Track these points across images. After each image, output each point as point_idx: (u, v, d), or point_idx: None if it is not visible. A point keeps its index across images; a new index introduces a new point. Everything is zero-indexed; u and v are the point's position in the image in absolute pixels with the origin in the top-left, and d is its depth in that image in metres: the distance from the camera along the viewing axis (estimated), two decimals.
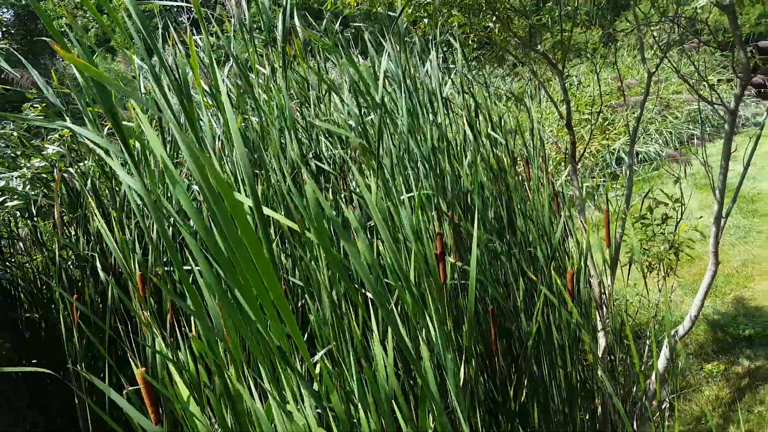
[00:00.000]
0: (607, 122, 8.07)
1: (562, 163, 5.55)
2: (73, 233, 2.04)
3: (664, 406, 2.84)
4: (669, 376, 3.24)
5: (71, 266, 2.03)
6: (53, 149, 2.08)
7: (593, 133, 7.55)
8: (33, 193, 1.99)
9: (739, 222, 5.38)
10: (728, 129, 2.13)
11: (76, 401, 1.70)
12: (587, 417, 2.25)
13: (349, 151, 2.30)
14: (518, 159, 2.25)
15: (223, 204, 0.72)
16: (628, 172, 2.52)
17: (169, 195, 1.81)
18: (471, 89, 2.48)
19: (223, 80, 2.12)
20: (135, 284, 1.41)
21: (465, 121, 2.13)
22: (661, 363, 2.40)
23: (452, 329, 1.77)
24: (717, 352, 3.49)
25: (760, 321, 3.65)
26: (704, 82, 2.10)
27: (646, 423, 2.58)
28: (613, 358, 2.38)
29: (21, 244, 2.29)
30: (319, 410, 1.01)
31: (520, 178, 2.14)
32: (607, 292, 2.33)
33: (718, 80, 10.09)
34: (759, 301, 3.94)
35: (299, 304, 1.84)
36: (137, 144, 1.77)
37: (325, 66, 2.71)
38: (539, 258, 1.90)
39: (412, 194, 1.55)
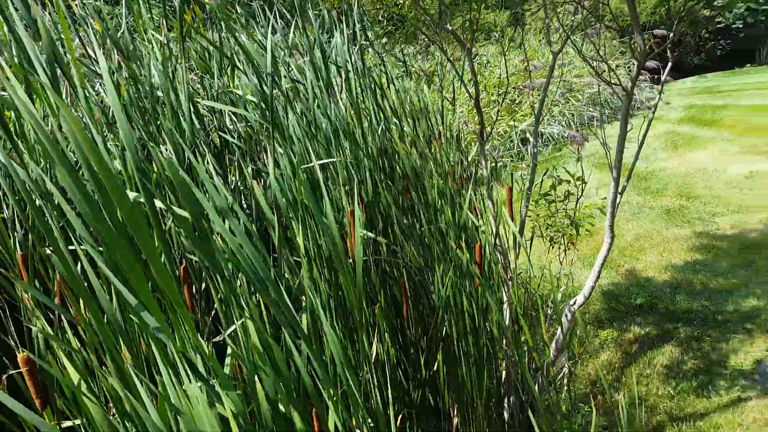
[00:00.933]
0: (514, 103, 8.39)
1: (472, 144, 5.72)
2: None
3: (563, 372, 3.04)
4: (566, 344, 3.46)
5: None
6: None
7: (500, 114, 7.83)
8: None
9: (633, 199, 5.81)
10: (624, 110, 2.28)
11: None
12: (494, 383, 2.36)
13: (254, 126, 2.24)
14: (430, 137, 2.29)
15: (103, 182, 0.68)
16: (532, 152, 2.63)
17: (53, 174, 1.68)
18: (383, 65, 2.49)
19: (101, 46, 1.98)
20: (16, 265, 1.31)
21: (374, 96, 2.14)
22: (564, 329, 2.56)
23: (365, 305, 1.79)
24: (611, 320, 3.77)
25: (650, 290, 3.98)
26: (604, 64, 2.23)
27: (547, 387, 2.75)
28: (517, 328, 2.50)
29: None
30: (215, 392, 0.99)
31: (433, 155, 2.18)
32: (511, 266, 2.44)
33: (616, 65, 10.76)
34: (649, 272, 4.29)
35: (202, 286, 1.79)
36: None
37: (231, 37, 2.60)
38: (450, 234, 1.96)
39: (323, 161, 1.54)
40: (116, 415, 1.08)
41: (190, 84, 1.84)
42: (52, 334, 1.07)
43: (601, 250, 2.35)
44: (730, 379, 3.02)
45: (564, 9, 2.72)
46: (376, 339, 1.67)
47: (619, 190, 2.33)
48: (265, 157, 2.01)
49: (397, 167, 2.14)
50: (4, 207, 1.68)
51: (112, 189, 0.66)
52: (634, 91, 2.25)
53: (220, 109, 2.27)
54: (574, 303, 2.40)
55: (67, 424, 1.03)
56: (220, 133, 2.00)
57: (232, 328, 1.19)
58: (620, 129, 2.32)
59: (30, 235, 1.40)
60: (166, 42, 2.00)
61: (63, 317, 1.16)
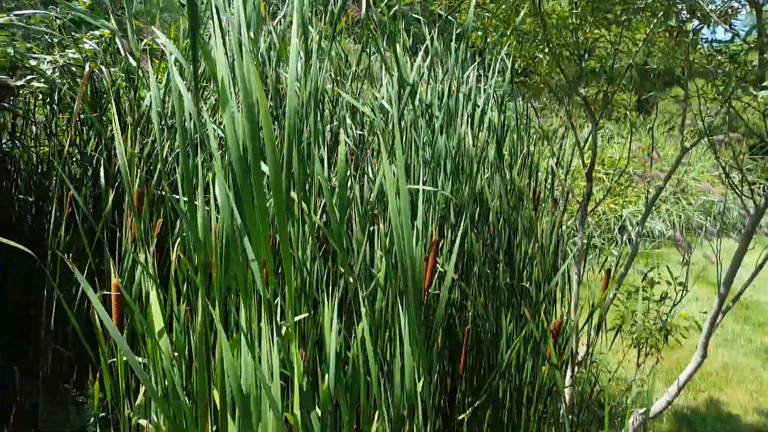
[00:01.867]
0: (622, 187, 8.13)
1: (569, 215, 5.59)
2: (86, 133, 2.05)
3: None
4: None
5: (75, 164, 2.04)
6: (90, 45, 2.09)
7: (607, 194, 7.60)
8: (59, 81, 2.00)
9: (729, 325, 5.40)
10: (750, 225, 2.16)
11: (45, 293, 1.71)
12: None
13: (369, 135, 2.32)
14: (537, 193, 2.27)
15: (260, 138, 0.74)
16: (636, 240, 2.54)
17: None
18: (506, 109, 2.50)
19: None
20: (131, 197, 1.43)
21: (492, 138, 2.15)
22: None
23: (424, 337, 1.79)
24: None
25: (728, 428, 3.67)
26: (737, 173, 2.13)
27: None
28: (573, 419, 2.39)
29: (34, 128, 2.29)
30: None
31: (531, 212, 2.16)
32: (585, 351, 2.34)
33: (742, 179, 10.13)
34: (733, 409, 3.96)
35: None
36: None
37: (369, 51, 2.73)
38: (532, 295, 1.92)
39: (430, 188, 1.57)
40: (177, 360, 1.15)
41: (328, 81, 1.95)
42: (147, 265, 1.15)
43: (688, 366, 2.21)
44: None
45: (706, 107, 2.63)
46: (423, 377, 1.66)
47: (723, 309, 2.19)
48: (374, 164, 2.07)
49: (491, 216, 2.13)
50: (138, 144, 1.84)
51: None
52: (765, 210, 2.13)
53: (342, 115, 2.38)
54: (645, 412, 2.26)
55: (138, 358, 1.11)
56: (340, 131, 2.08)
57: (302, 316, 1.23)
58: (741, 243, 2.19)
59: (153, 178, 1.53)
60: (317, 39, 2.13)
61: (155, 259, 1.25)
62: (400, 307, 1.41)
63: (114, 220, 1.87)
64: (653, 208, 8.17)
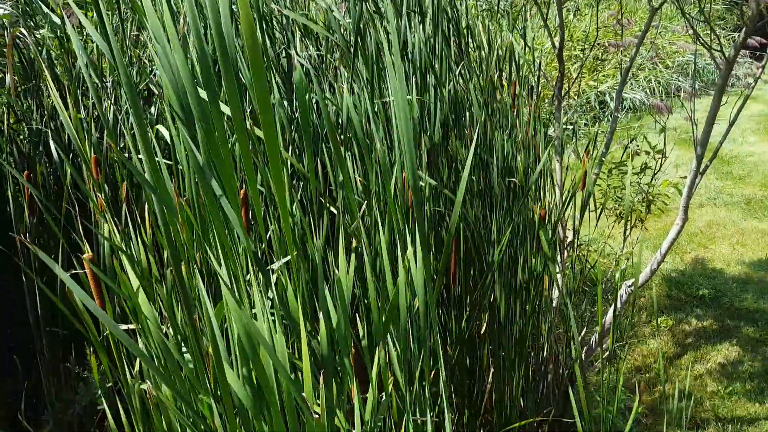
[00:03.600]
0: (597, 61, 8.00)
1: (546, 100, 5.54)
2: (26, 106, 1.95)
3: (606, 355, 3.01)
4: (616, 327, 3.41)
5: (23, 141, 1.95)
6: (5, 9, 1.95)
7: (582, 71, 7.49)
8: None
9: (711, 183, 5.53)
10: (721, 81, 2.14)
11: (24, 280, 1.69)
12: (535, 354, 2.37)
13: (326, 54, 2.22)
14: (513, 84, 2.22)
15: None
16: (613, 115, 2.53)
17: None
18: None
19: None
20: (89, 166, 1.38)
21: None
22: (611, 311, 2.52)
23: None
24: (668, 308, 3.68)
25: (716, 283, 3.84)
26: (706, 29, 2.08)
27: (590, 367, 2.75)
28: (566, 302, 2.48)
29: None
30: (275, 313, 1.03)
31: (505, 104, 2.12)
32: (572, 237, 2.39)
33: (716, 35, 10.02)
34: (718, 263, 4.13)
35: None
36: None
37: None
38: (517, 190, 1.93)
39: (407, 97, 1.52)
40: (169, 326, 1.15)
41: None
42: (117, 238, 1.13)
43: (670, 231, 2.27)
44: None
45: None
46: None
47: (701, 170, 2.22)
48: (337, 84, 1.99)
49: (467, 117, 2.10)
50: (82, 107, 1.76)
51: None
52: (735, 59, 2.11)
53: (291, 35, 2.26)
54: (633, 284, 2.35)
55: (123, 327, 1.10)
56: (294, 54, 1.99)
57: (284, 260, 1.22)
58: (713, 101, 2.19)
59: (104, 140, 1.47)
60: None
61: (129, 223, 1.23)
62: (384, 225, 1.40)
63: (78, 194, 1.83)
64: (632, 77, 8.10)
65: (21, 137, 1.94)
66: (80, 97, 1.84)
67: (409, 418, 1.30)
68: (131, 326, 1.17)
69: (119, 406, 1.34)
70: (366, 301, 1.57)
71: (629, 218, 2.57)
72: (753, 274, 3.94)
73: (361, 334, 1.34)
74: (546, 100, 5.12)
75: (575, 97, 7.21)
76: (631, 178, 2.56)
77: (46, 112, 1.90)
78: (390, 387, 1.33)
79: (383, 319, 1.14)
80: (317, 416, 0.71)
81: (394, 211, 1.20)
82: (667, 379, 3.06)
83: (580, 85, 7.36)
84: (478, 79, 2.02)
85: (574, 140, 2.73)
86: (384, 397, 1.34)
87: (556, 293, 2.45)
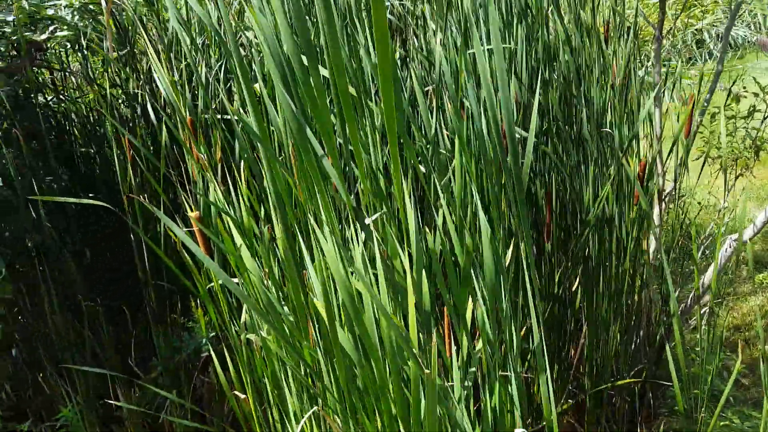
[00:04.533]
0: None
1: (647, 39, 5.17)
2: (122, 72, 2.04)
3: (703, 311, 2.86)
4: (715, 283, 3.23)
5: (122, 104, 2.05)
6: None
7: (680, 11, 6.92)
8: (81, 24, 1.96)
9: None
10: None
11: (132, 237, 1.80)
12: (629, 310, 2.29)
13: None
14: (606, 25, 2.07)
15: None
16: (720, 55, 2.32)
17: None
18: None
19: None
20: (185, 127, 1.42)
21: None
22: (720, 263, 2.38)
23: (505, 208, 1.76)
24: None
25: None
26: None
27: (685, 325, 2.62)
28: (663, 257, 2.36)
29: (73, 78, 2.31)
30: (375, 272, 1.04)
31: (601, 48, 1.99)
32: (672, 187, 2.26)
33: None
34: None
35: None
36: None
37: None
38: (614, 140, 1.82)
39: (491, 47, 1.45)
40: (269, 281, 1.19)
41: None
42: (219, 196, 1.17)
43: None
44: None
45: None
46: (512, 243, 1.66)
47: None
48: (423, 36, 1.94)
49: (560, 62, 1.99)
50: (175, 71, 1.81)
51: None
52: None
53: None
54: (738, 237, 2.19)
55: (234, 280, 1.15)
56: None
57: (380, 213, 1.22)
58: None
59: (199, 102, 1.51)
60: None
61: (228, 182, 1.26)
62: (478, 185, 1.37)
63: (175, 154, 1.90)
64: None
65: (120, 101, 2.03)
66: (173, 60, 1.89)
67: (497, 373, 1.29)
68: (236, 280, 1.22)
69: (225, 353, 1.41)
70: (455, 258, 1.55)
71: (734, 166, 2.38)
72: None
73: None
74: (647, 41, 4.77)
75: (669, 37, 6.69)
76: (737, 122, 2.37)
77: (141, 77, 1.97)
78: (480, 343, 1.32)
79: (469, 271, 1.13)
80: (427, 372, 0.71)
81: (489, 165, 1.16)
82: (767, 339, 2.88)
83: (675, 23, 6.81)
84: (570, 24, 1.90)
85: (672, 83, 2.54)
86: (476, 350, 1.34)
87: (653, 247, 2.34)
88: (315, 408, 0.97)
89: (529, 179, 1.83)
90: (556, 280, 1.94)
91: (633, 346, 2.44)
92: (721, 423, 2.30)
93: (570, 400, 2.22)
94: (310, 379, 1.17)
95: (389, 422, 0.92)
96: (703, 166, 2.12)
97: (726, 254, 2.37)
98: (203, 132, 1.67)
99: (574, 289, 1.98)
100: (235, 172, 1.27)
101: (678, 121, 2.02)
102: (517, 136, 1.60)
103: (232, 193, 1.29)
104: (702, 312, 2.75)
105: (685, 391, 2.07)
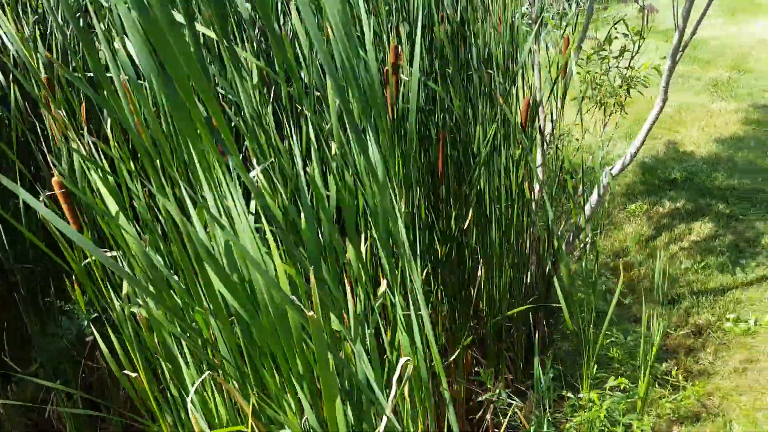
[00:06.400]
0: None
1: None
2: None
3: (587, 242, 3.06)
4: (593, 215, 3.46)
5: None
6: None
7: None
8: None
9: (678, 68, 5.47)
10: None
11: None
12: (520, 247, 2.38)
13: None
14: None
15: None
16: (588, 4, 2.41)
17: None
18: None
19: None
20: (41, 86, 1.25)
21: None
22: (593, 198, 2.53)
23: (398, 154, 1.74)
24: (643, 193, 3.73)
25: (688, 165, 3.88)
26: None
27: (571, 256, 2.79)
28: (547, 192, 2.46)
29: None
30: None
31: None
32: (552, 127, 2.34)
33: None
34: (689, 146, 4.16)
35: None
36: None
37: None
38: (496, 84, 1.84)
39: None
40: (150, 246, 1.08)
41: None
42: (84, 154, 1.03)
43: (651, 113, 2.23)
44: (758, 258, 3.02)
45: None
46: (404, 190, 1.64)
47: (682, 46, 2.15)
48: None
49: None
50: (25, 26, 1.58)
51: None
52: None
53: None
54: (611, 169, 2.33)
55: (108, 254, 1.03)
56: None
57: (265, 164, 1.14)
58: None
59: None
60: None
61: (92, 145, 1.12)
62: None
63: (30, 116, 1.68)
64: None
65: None
66: (20, 13, 1.65)
67: (400, 315, 1.28)
68: (112, 252, 1.09)
69: (109, 333, 1.28)
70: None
71: (608, 105, 2.51)
72: (722, 154, 3.99)
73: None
74: None
75: None
76: (609, 61, 2.48)
77: None
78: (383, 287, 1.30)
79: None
80: (311, 314, 0.66)
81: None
82: (643, 260, 3.14)
83: None
84: None
85: (545, 33, 2.61)
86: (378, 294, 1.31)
87: (537, 186, 2.43)
88: (207, 373, 0.89)
89: (420, 122, 1.81)
90: (452, 222, 1.96)
91: (527, 280, 2.56)
92: (608, 340, 2.48)
93: (472, 336, 2.29)
94: (205, 346, 1.08)
95: (287, 375, 0.87)
96: (581, 103, 2.21)
97: (603, 185, 2.51)
98: (63, 92, 1.48)
99: (466, 227, 2.02)
100: (107, 130, 1.13)
101: (553, 65, 2.08)
102: (404, 77, 1.57)
103: (100, 154, 1.15)
104: (583, 243, 2.93)
105: (575, 315, 2.20)
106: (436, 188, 1.93)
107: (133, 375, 1.30)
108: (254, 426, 1.01)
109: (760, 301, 2.77)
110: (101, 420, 1.94)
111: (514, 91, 1.99)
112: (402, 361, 0.96)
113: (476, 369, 2.38)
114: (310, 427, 0.99)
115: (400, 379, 1.00)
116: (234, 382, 0.94)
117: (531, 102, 1.76)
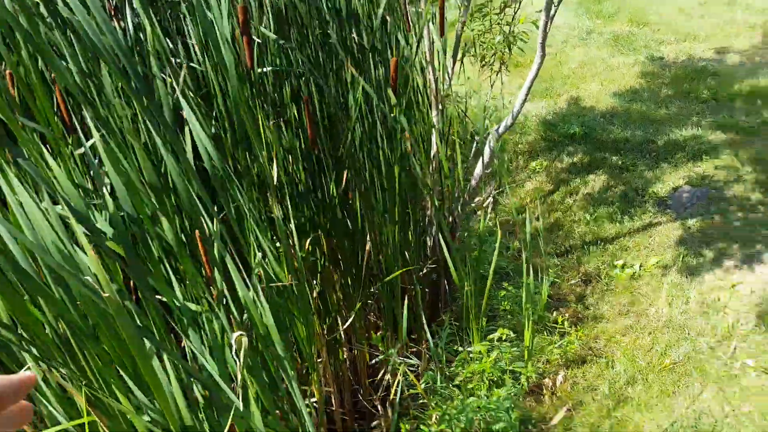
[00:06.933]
0: None
1: None
2: None
3: (487, 202, 3.15)
4: (493, 173, 3.55)
5: None
6: None
7: None
8: None
9: (583, 24, 5.64)
10: None
11: None
12: (413, 211, 2.42)
13: None
14: None
15: None
16: None
17: None
18: None
19: None
20: None
21: None
22: (487, 156, 2.59)
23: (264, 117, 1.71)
24: (544, 149, 3.86)
25: (586, 119, 4.04)
26: None
27: (469, 216, 2.86)
28: (438, 154, 2.50)
29: None
30: None
31: None
32: (439, 87, 2.36)
33: None
34: (588, 101, 4.32)
35: None
36: None
37: None
38: (364, 46, 1.83)
39: None
40: None
41: None
42: None
43: (530, 70, 2.28)
44: (645, 206, 3.21)
45: None
46: (275, 158, 1.62)
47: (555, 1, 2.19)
48: None
49: None
50: None
51: None
52: None
53: None
54: (498, 129, 2.39)
55: None
56: None
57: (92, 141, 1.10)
58: None
59: None
60: None
61: None
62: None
63: None
64: None
65: None
66: None
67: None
68: None
69: None
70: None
71: (493, 63, 2.56)
72: (619, 107, 4.17)
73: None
74: None
75: None
76: (492, 18, 2.51)
77: None
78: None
79: None
80: (107, 294, 0.65)
81: None
82: (540, 216, 3.27)
83: None
84: None
85: None
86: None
87: (434, 149, 2.47)
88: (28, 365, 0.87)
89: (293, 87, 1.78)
90: (332, 189, 1.96)
91: (430, 242, 2.62)
92: (502, 293, 2.58)
93: (368, 300, 2.33)
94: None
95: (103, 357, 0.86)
96: (461, 61, 2.23)
97: (491, 145, 2.58)
98: None
99: (350, 194, 2.03)
100: None
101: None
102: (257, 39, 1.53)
103: None
104: (484, 202, 3.01)
105: (478, 268, 2.27)
106: (317, 158, 1.92)
107: None
108: (91, 413, 0.99)
109: (646, 246, 2.95)
110: None
111: (389, 54, 1.99)
112: (234, 335, 0.96)
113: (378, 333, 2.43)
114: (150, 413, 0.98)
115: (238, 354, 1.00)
116: (61, 371, 0.92)
117: (399, 62, 1.76)
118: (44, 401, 0.86)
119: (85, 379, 0.84)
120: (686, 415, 2.12)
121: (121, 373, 0.88)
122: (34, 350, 0.80)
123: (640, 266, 2.83)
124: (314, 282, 2.04)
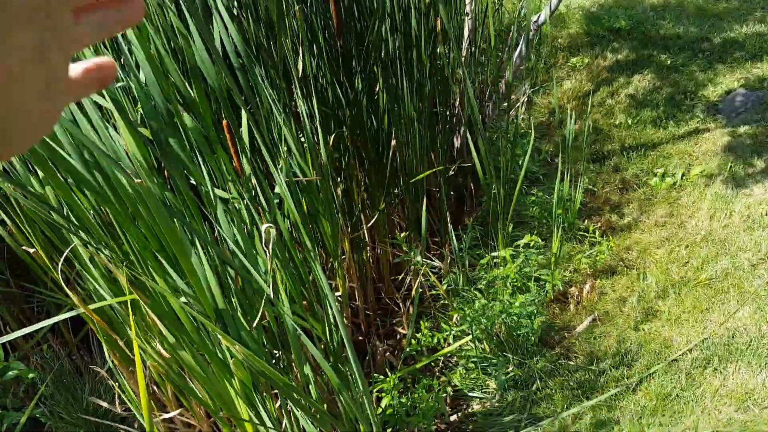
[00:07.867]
0: None
1: None
2: None
3: (522, 101, 3.13)
4: (531, 71, 3.50)
5: None
6: None
7: None
8: None
9: None
10: None
11: None
12: (444, 110, 2.43)
13: None
14: None
15: None
16: None
17: None
18: None
19: None
20: None
21: None
22: (523, 50, 2.56)
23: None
24: (586, 45, 3.76)
25: (634, 12, 3.89)
26: None
27: (501, 115, 2.86)
28: (474, 49, 2.48)
29: None
30: None
31: None
32: None
33: None
34: None
35: None
36: None
37: None
38: None
39: None
40: None
41: None
42: None
43: None
44: (693, 111, 3.17)
45: None
46: (301, 49, 1.64)
47: None
48: None
49: None
50: None
51: None
52: None
53: None
54: (538, 18, 2.34)
55: None
56: None
57: None
58: None
59: None
60: None
61: None
62: None
63: None
64: None
65: None
66: None
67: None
68: None
69: None
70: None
71: None
72: (672, 0, 4.00)
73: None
74: None
75: None
76: None
77: None
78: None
79: None
80: (139, 180, 0.71)
81: None
82: (578, 118, 3.25)
83: None
84: None
85: None
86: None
87: (466, 36, 2.44)
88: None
89: None
90: (357, 83, 1.98)
91: (455, 142, 2.65)
92: (531, 198, 2.64)
93: (393, 201, 2.41)
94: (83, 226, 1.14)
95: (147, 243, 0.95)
96: None
97: (530, 36, 2.54)
98: None
99: (377, 89, 2.05)
100: None
101: None
102: None
103: None
104: (518, 101, 3.00)
105: (507, 171, 2.31)
106: (339, 51, 1.92)
107: (32, 250, 1.38)
108: (133, 292, 1.10)
109: (690, 154, 2.94)
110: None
111: None
112: (264, 226, 1.04)
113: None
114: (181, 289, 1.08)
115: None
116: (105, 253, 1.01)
117: None
118: (91, 280, 0.95)
119: (127, 261, 0.93)
120: (719, 333, 2.16)
121: (159, 257, 0.97)
122: (82, 234, 0.89)
123: (683, 175, 2.84)
124: (338, 179, 2.11)
